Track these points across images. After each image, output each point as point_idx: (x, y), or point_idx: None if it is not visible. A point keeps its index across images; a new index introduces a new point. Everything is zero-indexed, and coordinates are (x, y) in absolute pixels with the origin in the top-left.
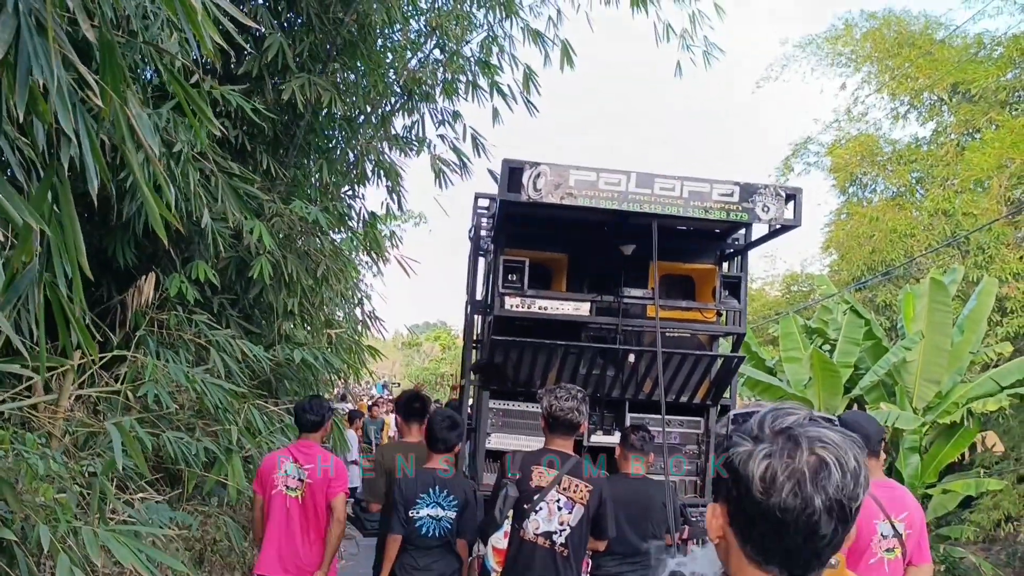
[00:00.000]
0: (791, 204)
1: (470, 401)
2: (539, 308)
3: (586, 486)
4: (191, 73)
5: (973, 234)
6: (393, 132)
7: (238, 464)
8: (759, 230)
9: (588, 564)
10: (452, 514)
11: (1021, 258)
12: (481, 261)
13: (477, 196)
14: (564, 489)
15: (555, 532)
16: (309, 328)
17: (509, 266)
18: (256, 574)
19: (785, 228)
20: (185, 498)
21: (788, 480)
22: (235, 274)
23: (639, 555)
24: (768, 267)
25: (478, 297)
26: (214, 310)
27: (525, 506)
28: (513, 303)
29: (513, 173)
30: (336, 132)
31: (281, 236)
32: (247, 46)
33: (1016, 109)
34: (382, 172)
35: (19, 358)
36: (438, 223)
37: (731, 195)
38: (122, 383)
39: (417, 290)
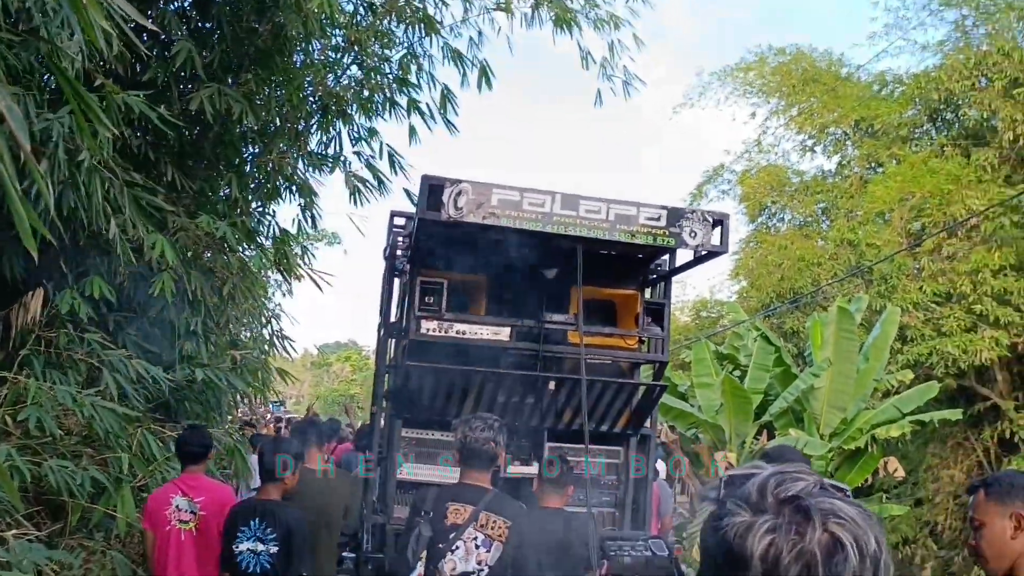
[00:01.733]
0: (718, 230)
1: (381, 429)
2: (456, 332)
3: (505, 522)
4: (92, 78)
5: (877, 264)
6: (308, 148)
7: (128, 494)
8: (683, 256)
9: None
10: (273, 548)
11: (921, 288)
12: (396, 282)
13: (393, 214)
14: (482, 526)
15: (473, 572)
16: (213, 348)
17: (426, 287)
18: None
19: (711, 254)
20: (68, 532)
21: (796, 563)
22: (133, 290)
23: None
24: (679, 292)
25: (392, 320)
26: (109, 328)
27: (440, 545)
28: (429, 327)
29: (433, 190)
30: (248, 146)
31: (187, 253)
32: (151, 53)
33: (917, 144)
34: (295, 189)
35: None
36: (352, 242)
37: (658, 219)
38: (0, 407)
39: (328, 309)
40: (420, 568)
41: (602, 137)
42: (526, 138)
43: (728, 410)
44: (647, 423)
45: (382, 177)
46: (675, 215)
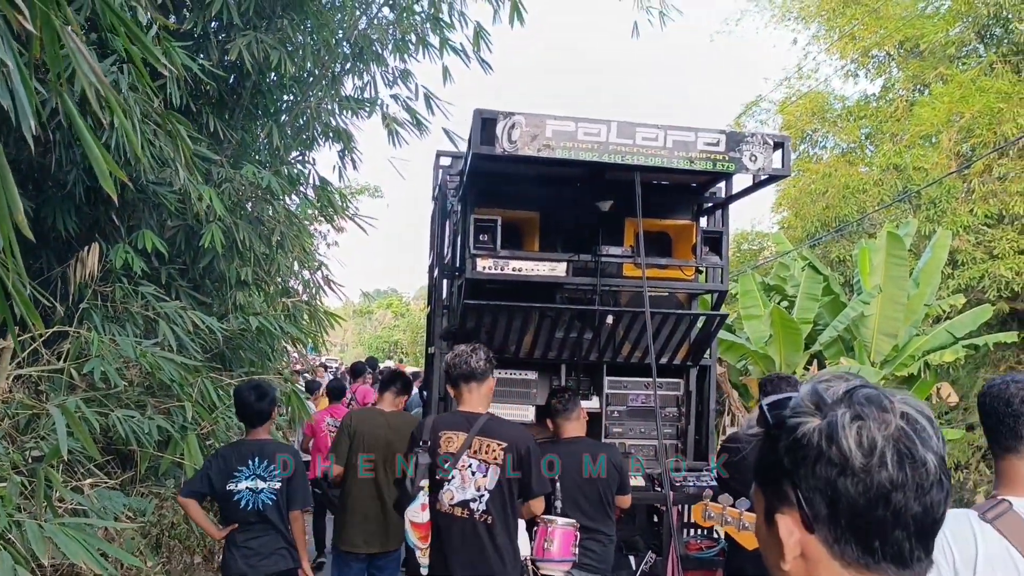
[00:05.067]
0: (779, 152)
1: (439, 370)
2: (513, 269)
3: (499, 444)
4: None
5: (925, 188)
6: (344, 93)
7: (194, 442)
8: (740, 182)
9: (576, 537)
10: (274, 485)
11: (971, 211)
12: (447, 224)
13: (439, 154)
14: (475, 452)
15: (472, 500)
16: (264, 297)
17: (480, 226)
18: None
19: (772, 178)
20: (138, 480)
21: (889, 445)
22: (184, 243)
23: (599, 523)
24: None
25: (446, 260)
26: (162, 281)
27: (437, 476)
28: (485, 265)
29: (486, 124)
30: (285, 94)
31: (232, 202)
32: (188, 2)
33: (964, 64)
34: (332, 135)
35: None
36: (392, 191)
37: (717, 144)
38: (65, 360)
39: (368, 258)
40: (423, 498)
41: (638, 71)
42: (560, 76)
43: (777, 341)
44: (707, 354)
45: (420, 118)
46: (734, 139)
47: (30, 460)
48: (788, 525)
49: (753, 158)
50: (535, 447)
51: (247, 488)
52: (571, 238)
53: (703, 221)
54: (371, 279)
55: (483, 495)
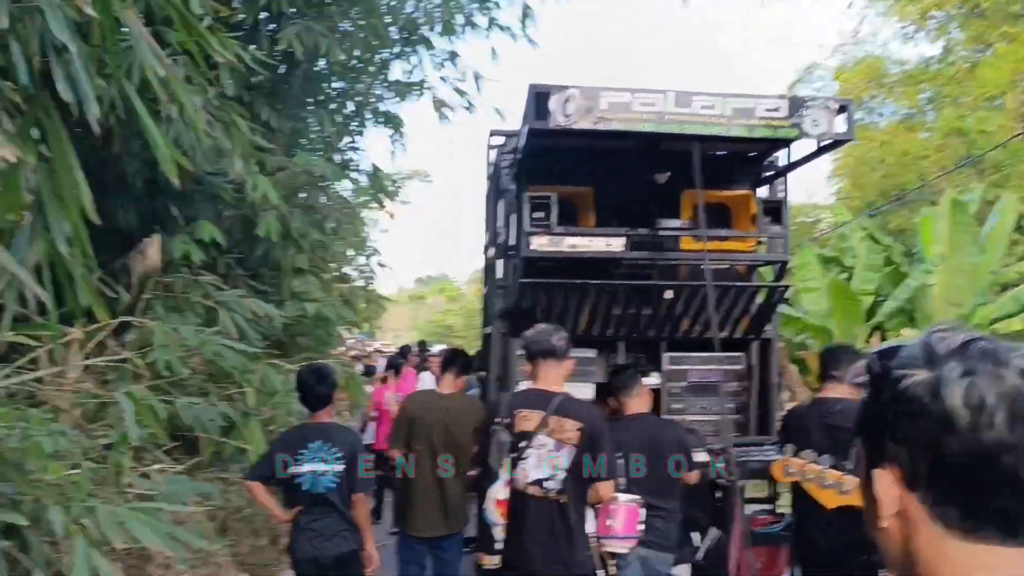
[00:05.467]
0: (842, 116)
1: (496, 350)
2: (568, 246)
3: (574, 424)
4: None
5: (989, 153)
6: (392, 78)
7: (256, 427)
8: (799, 150)
9: (640, 514)
10: (338, 467)
11: None
12: (501, 203)
13: (492, 133)
14: (551, 431)
15: (547, 479)
16: (320, 284)
17: (535, 203)
18: None
19: (836, 143)
20: (204, 465)
21: (1001, 403)
22: (241, 233)
23: (662, 500)
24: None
25: (500, 240)
26: (221, 271)
27: (512, 455)
28: (540, 242)
29: (540, 98)
30: (335, 81)
31: (286, 191)
32: None
33: None
34: (383, 120)
35: (22, 326)
36: (440, 176)
37: (777, 110)
38: (130, 351)
39: (420, 244)
40: (505, 475)
41: (688, 41)
42: (608, 47)
43: (837, 313)
44: (768, 327)
45: (469, 99)
46: (796, 104)
47: (101, 447)
48: (887, 481)
49: (815, 123)
50: (607, 430)
51: (309, 471)
52: (627, 212)
53: (762, 191)
54: (423, 265)
55: (558, 474)
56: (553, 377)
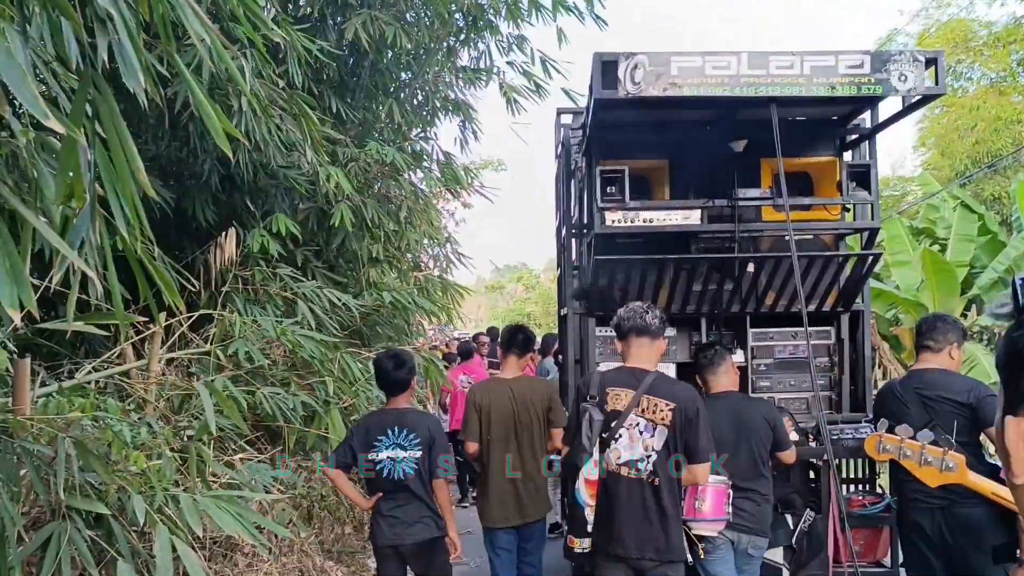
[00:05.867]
0: (931, 69)
1: (573, 331)
2: (644, 221)
3: (667, 404)
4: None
5: None
6: (460, 64)
7: (337, 416)
8: (885, 111)
9: (729, 496)
10: (416, 454)
11: None
12: (572, 183)
13: (560, 112)
14: (643, 411)
15: (640, 460)
16: (397, 274)
17: (606, 177)
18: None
19: (925, 99)
20: (288, 454)
21: None
22: (316, 225)
23: (752, 481)
24: None
25: (573, 219)
26: (298, 263)
27: (604, 434)
28: (614, 218)
29: (607, 67)
30: (402, 71)
31: (359, 182)
32: None
33: None
34: (452, 108)
35: (96, 315)
36: (513, 165)
37: (861, 66)
38: (211, 343)
39: (495, 235)
40: (596, 455)
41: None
42: (685, 26)
43: (930, 286)
44: (858, 299)
45: (538, 81)
46: (880, 59)
47: (184, 438)
48: (1019, 428)
49: (903, 78)
50: (704, 410)
51: (388, 457)
52: (703, 185)
53: (847, 156)
54: (500, 254)
55: (651, 456)
56: (646, 356)
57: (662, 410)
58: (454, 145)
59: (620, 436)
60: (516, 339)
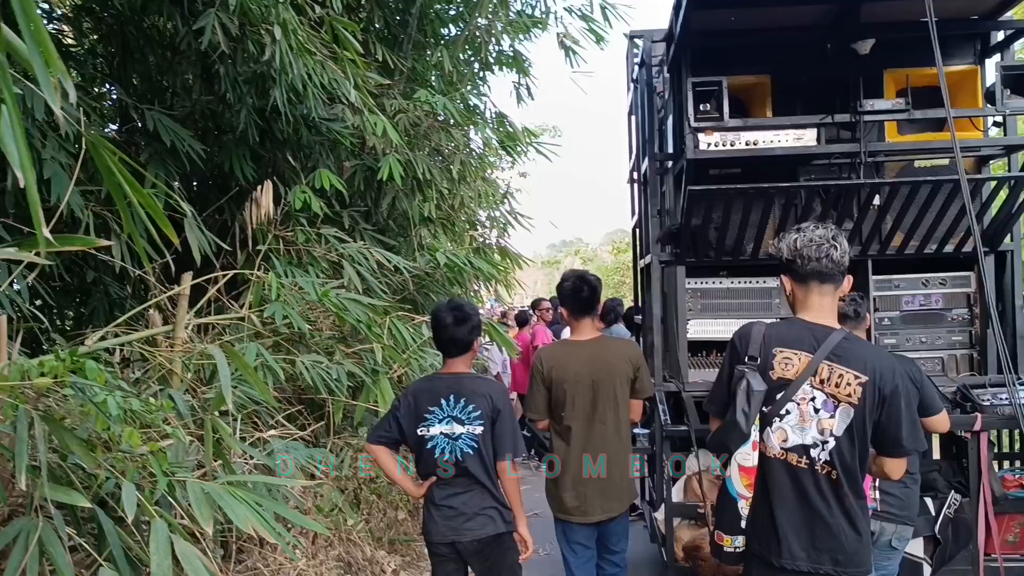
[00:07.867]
0: None
1: (657, 283)
2: (746, 143)
3: (856, 377)
4: None
5: None
6: (514, 10)
7: (387, 386)
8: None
9: (871, 481)
10: (475, 429)
11: None
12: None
13: (631, 36)
14: (822, 382)
15: (813, 445)
16: (451, 236)
17: (700, 92)
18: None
19: None
20: (334, 431)
21: None
22: (363, 184)
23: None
24: None
25: (655, 150)
26: (345, 226)
27: (765, 409)
28: (710, 141)
29: None
30: (452, 24)
31: (408, 135)
32: None
33: None
34: (507, 62)
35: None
36: (573, 134)
37: None
38: (247, 308)
39: (554, 209)
40: (755, 435)
41: None
42: None
43: None
44: (1007, 236)
45: (597, 29)
46: None
47: (212, 412)
48: None
49: None
50: (909, 388)
51: (441, 433)
52: (814, 103)
53: (990, 63)
54: (557, 231)
55: (828, 441)
56: (829, 308)
57: (849, 383)
58: (509, 99)
59: (787, 412)
60: (580, 297)
